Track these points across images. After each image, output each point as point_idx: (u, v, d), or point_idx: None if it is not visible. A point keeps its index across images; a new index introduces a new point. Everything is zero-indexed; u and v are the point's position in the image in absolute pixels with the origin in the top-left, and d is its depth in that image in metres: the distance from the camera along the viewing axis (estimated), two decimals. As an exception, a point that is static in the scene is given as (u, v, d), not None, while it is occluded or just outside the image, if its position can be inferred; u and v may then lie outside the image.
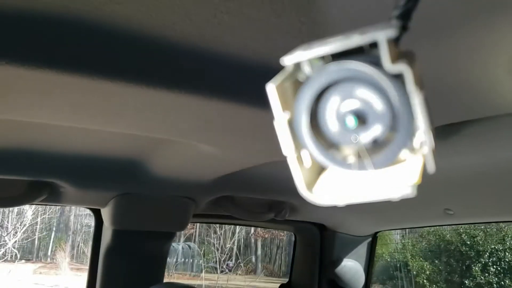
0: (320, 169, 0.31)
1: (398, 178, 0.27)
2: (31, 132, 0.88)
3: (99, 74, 0.57)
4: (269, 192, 1.30)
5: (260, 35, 0.56)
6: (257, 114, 0.69)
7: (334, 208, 1.43)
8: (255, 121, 0.73)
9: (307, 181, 0.30)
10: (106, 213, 1.18)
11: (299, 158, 0.30)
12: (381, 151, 0.28)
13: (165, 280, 1.29)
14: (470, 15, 0.48)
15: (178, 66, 0.61)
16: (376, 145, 0.28)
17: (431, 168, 0.27)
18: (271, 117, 0.67)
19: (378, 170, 0.28)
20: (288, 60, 0.28)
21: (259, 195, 1.32)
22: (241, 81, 0.64)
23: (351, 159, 0.29)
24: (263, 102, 0.67)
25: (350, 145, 0.28)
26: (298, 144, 0.29)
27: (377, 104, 0.27)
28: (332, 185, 0.30)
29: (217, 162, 0.99)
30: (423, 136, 0.26)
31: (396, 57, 0.27)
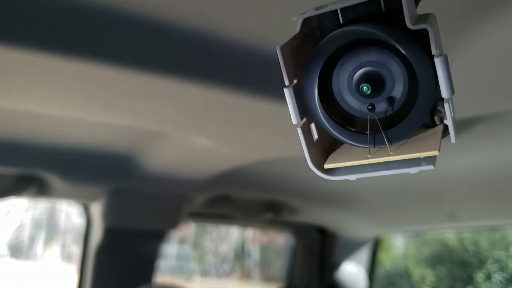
0: (333, 143, 0.29)
1: (415, 150, 0.26)
2: (19, 122, 0.85)
3: (93, 58, 0.55)
4: (268, 191, 1.28)
5: (264, 18, 0.53)
6: (259, 106, 0.67)
7: (334, 210, 1.42)
8: (256, 114, 0.71)
9: (317, 155, 0.28)
10: (96, 209, 1.15)
11: (309, 129, 0.28)
12: (398, 124, 0.26)
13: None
14: (484, 5, 0.47)
15: (175, 52, 0.58)
16: (393, 117, 0.26)
17: (453, 138, 0.26)
18: (273, 110, 0.61)
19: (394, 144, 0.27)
20: (299, 18, 0.27)
21: (257, 195, 1.30)
22: (243, 70, 0.62)
23: (366, 132, 0.27)
24: (265, 93, 0.64)
25: (365, 116, 0.27)
26: (309, 116, 0.28)
27: (395, 69, 0.25)
28: (344, 159, 0.28)
29: (214, 157, 0.96)
30: (444, 104, 0.25)
31: (416, 18, 0.25)
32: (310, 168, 0.27)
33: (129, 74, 0.58)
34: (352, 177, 0.27)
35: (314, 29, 0.29)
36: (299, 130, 0.27)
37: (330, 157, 0.28)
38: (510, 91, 0.65)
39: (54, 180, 1.02)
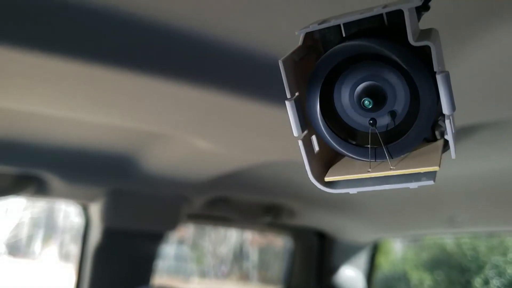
0: (334, 155, 0.29)
1: (416, 165, 0.25)
2: (19, 122, 0.85)
3: (93, 59, 0.54)
4: (267, 194, 1.27)
5: (265, 21, 0.53)
6: (259, 109, 0.66)
7: (333, 213, 1.41)
8: (256, 117, 0.70)
9: (318, 167, 0.28)
10: (95, 210, 1.15)
11: (310, 142, 0.28)
12: (399, 138, 0.26)
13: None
14: (486, 13, 0.47)
15: (177, 54, 0.58)
16: (394, 131, 0.26)
17: (453, 154, 0.26)
18: (273, 113, 0.60)
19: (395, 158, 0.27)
20: (301, 32, 0.26)
21: (256, 197, 1.29)
22: (244, 73, 0.61)
23: (367, 146, 0.27)
24: (265, 96, 0.64)
25: (367, 130, 0.27)
26: (311, 128, 0.28)
27: (397, 83, 0.25)
28: (344, 172, 0.28)
29: (214, 159, 0.96)
30: (445, 120, 0.24)
31: (419, 34, 0.25)
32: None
33: (130, 76, 0.58)
34: (352, 191, 0.27)
35: (316, 41, 0.28)
36: (300, 142, 0.27)
37: (330, 169, 0.28)
38: (508, 99, 0.65)
39: (54, 180, 1.02)
